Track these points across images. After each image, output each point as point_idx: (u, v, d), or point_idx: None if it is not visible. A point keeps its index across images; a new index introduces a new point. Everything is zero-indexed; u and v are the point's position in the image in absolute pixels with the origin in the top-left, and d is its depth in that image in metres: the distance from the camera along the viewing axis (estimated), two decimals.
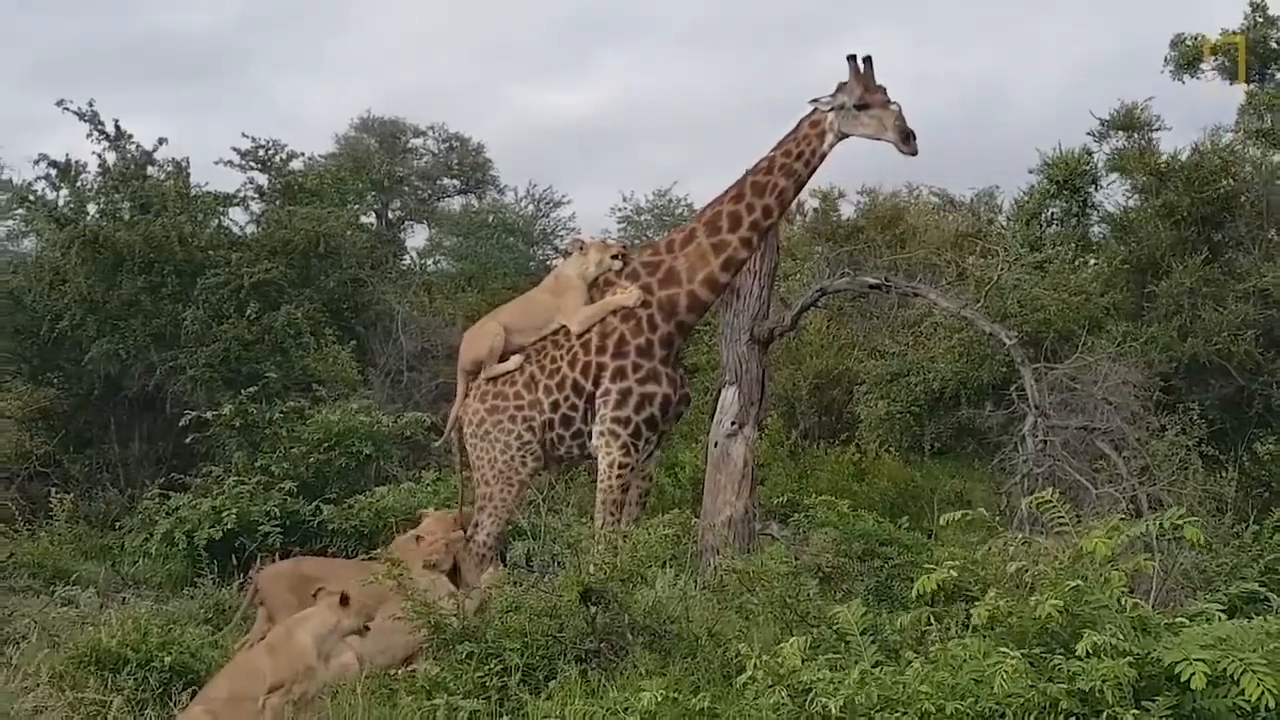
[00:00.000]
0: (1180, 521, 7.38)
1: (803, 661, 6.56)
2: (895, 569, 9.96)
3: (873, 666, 6.53)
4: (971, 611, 6.65)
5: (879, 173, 30.96)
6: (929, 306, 18.96)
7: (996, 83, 53.76)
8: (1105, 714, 6.03)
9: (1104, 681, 6.06)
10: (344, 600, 9.05)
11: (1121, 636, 6.38)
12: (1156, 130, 22.73)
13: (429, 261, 39.61)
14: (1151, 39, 25.53)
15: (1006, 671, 5.90)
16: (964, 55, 60.00)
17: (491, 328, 12.65)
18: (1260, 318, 19.44)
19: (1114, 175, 22.84)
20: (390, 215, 39.36)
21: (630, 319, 12.20)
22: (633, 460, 12.11)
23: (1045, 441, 15.69)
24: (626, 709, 6.85)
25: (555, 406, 12.23)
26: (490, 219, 39.73)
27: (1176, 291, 19.72)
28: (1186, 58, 26.09)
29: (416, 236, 40.98)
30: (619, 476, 12.03)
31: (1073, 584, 6.67)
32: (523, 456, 12.34)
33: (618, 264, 12.38)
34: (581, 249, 12.53)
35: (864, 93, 11.64)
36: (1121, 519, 7.79)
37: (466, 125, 61.72)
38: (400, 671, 9.70)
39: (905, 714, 5.96)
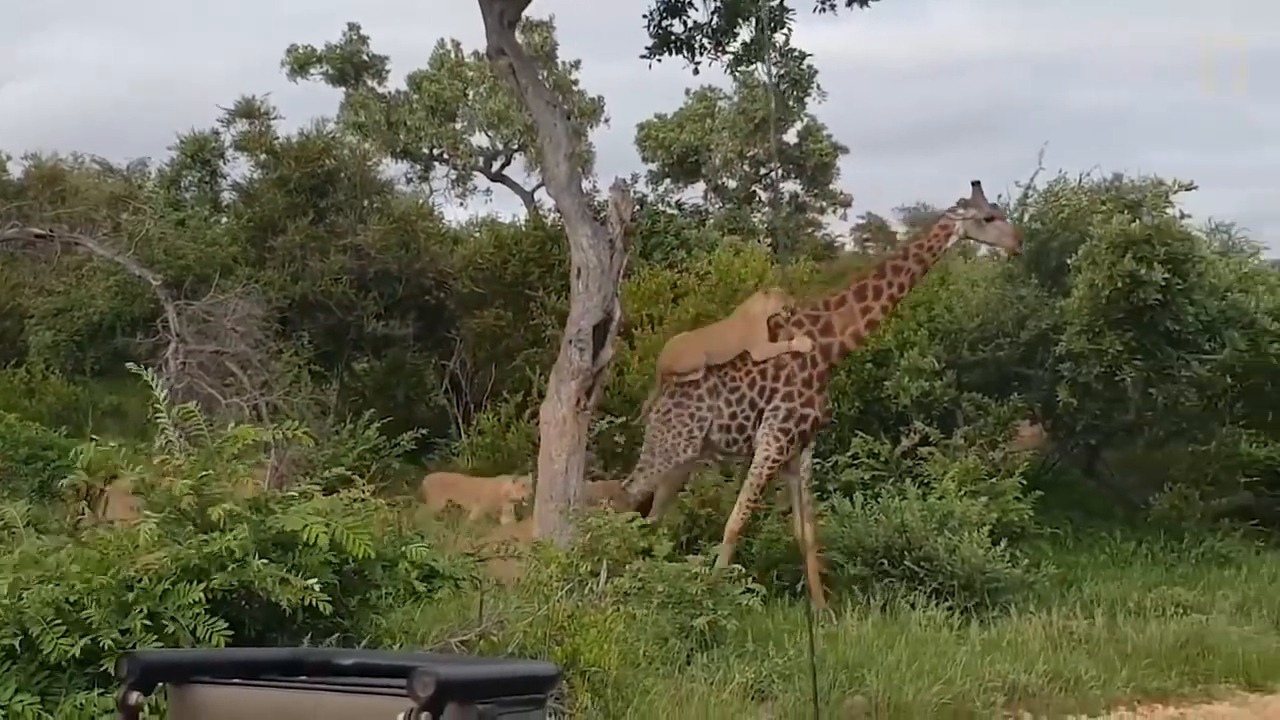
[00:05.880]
0: (295, 431, 7.64)
1: None
2: (56, 469, 9.51)
3: (36, 551, 6.27)
4: (108, 486, 6.57)
5: (41, 140, 29.05)
6: (89, 253, 18.24)
7: (167, 72, 51.08)
8: (230, 567, 6.15)
9: (230, 544, 6.17)
10: None
11: (242, 511, 6.52)
12: (273, 119, 22.96)
13: None
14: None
15: (146, 535, 5.88)
16: (145, 47, 56.61)
17: (698, 355, 13.03)
18: (354, 266, 20.18)
19: (239, 153, 22.92)
20: None
21: (798, 358, 12.70)
22: (782, 459, 12.63)
23: (185, 363, 15.59)
24: None
25: (733, 416, 12.77)
26: None
27: (290, 245, 20.03)
28: (299, 63, 26.51)
29: None
30: (769, 468, 12.58)
31: (203, 474, 6.74)
32: (687, 443, 12.78)
33: (785, 313, 12.90)
34: (767, 295, 13.27)
35: (991, 209, 13.10)
36: (244, 425, 7.89)
37: None
38: None
39: (58, 586, 5.77)
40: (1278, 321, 16.35)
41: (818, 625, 10.46)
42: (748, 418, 12.75)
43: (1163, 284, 15.24)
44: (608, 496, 12.57)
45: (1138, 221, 15.72)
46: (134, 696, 2.32)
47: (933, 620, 11.23)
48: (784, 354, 12.77)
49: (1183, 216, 16.56)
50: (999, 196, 20.38)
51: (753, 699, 8.79)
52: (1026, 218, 17.78)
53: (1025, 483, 14.74)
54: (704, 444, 12.88)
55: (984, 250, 16.03)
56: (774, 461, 12.58)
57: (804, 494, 12.68)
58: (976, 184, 13.11)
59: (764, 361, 12.79)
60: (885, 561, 12.49)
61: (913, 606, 11.57)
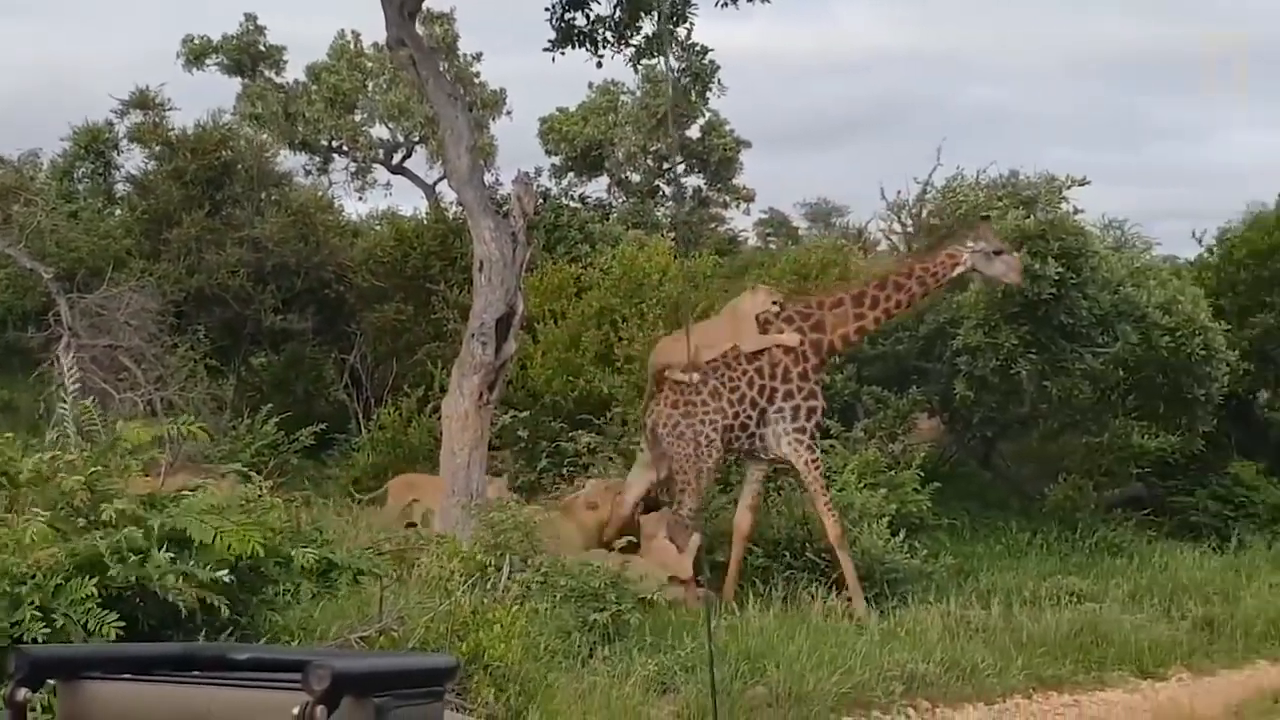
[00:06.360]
0: (191, 427, 7.51)
1: None
2: None
3: None
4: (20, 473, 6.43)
5: None
6: None
7: (59, 62, 49.67)
8: (130, 560, 6.02)
9: (133, 537, 6.05)
10: None
11: (135, 508, 6.41)
12: (169, 110, 22.44)
13: None
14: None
15: (35, 533, 5.75)
16: (36, 36, 54.87)
17: (685, 350, 12.89)
18: (252, 259, 19.88)
19: (134, 145, 22.40)
20: None
21: (790, 354, 12.91)
22: (817, 453, 13.02)
23: (78, 357, 15.28)
24: None
25: (736, 416, 12.88)
26: None
27: (186, 237, 19.68)
28: (195, 53, 26.03)
29: None
30: (815, 466, 12.86)
31: (94, 469, 6.61)
32: (709, 449, 12.80)
33: (775, 308, 13.14)
34: (755, 291, 13.47)
35: (1000, 244, 13.44)
36: (137, 421, 7.75)
37: None
38: None
39: None
40: (1168, 315, 16.81)
41: (719, 616, 10.55)
42: (750, 417, 12.95)
43: (1056, 278, 15.60)
44: (667, 525, 12.56)
45: (1032, 217, 16.09)
46: (22, 693, 2.28)
47: (833, 610, 11.41)
48: (774, 348, 12.98)
49: (1076, 212, 17.03)
50: (899, 193, 20.90)
51: (655, 691, 8.85)
52: (925, 213, 18.08)
53: (923, 474, 15.02)
54: (724, 443, 13.04)
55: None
56: (813, 461, 12.92)
57: (754, 484, 13.02)
58: (986, 218, 13.57)
59: (758, 359, 12.97)
60: (787, 553, 12.66)
61: (813, 597, 11.73)
